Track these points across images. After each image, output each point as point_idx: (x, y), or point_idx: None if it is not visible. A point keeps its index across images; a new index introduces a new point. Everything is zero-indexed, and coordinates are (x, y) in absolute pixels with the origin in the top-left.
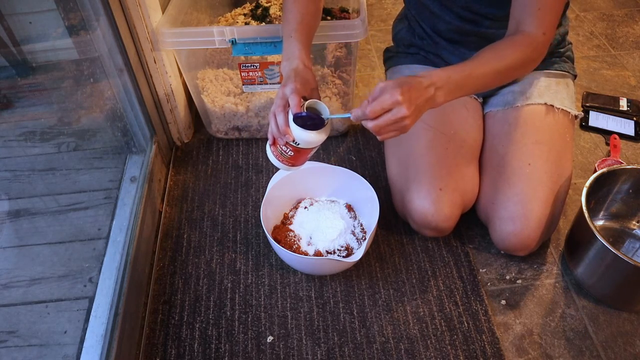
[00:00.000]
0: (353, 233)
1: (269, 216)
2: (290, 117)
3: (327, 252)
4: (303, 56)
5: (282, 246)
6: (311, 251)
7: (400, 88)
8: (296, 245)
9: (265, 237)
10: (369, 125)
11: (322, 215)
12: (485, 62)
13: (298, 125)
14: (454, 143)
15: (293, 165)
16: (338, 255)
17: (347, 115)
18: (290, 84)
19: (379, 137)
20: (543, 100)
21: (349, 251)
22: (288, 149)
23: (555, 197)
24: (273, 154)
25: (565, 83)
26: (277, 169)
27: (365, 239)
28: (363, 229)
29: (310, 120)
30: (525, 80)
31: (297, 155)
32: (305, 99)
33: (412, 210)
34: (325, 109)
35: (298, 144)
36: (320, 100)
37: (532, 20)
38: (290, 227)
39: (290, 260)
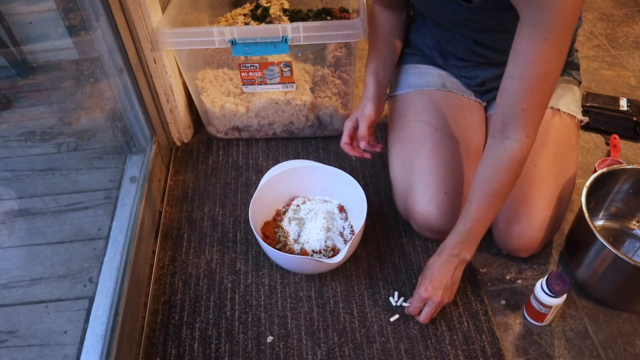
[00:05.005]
0: (341, 234)
1: (259, 211)
2: None
3: (314, 252)
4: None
5: (269, 242)
6: (298, 249)
7: (424, 286)
8: (283, 243)
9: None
10: (418, 319)
11: (312, 215)
12: (482, 204)
13: None
14: (459, 146)
15: None
16: (324, 256)
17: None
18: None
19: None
20: (549, 103)
21: (334, 252)
22: None
23: (559, 199)
24: None
25: (571, 88)
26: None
27: None
28: (352, 231)
29: None
30: None
31: None
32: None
33: (415, 212)
34: None
35: None
36: None
37: (515, 122)
38: (281, 223)
39: (275, 257)
